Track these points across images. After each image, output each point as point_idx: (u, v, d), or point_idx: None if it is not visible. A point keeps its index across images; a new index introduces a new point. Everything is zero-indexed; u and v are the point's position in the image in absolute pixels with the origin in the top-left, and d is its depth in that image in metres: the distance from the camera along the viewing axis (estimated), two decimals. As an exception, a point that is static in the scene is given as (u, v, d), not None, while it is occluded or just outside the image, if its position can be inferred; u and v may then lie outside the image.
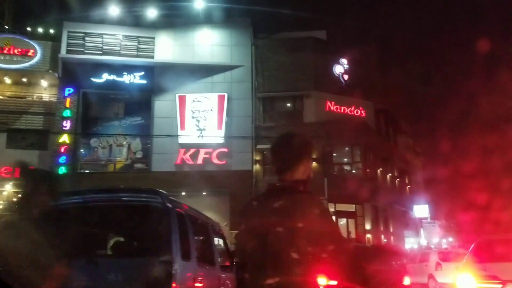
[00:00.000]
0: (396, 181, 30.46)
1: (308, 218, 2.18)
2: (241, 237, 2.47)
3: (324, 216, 2.26)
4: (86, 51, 23.93)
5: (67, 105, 23.05)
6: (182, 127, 23.68)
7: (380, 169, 26.51)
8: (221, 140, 23.58)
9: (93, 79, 23.65)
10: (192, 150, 23.44)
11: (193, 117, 23.85)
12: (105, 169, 23.86)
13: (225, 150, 23.51)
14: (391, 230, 28.39)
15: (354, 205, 24.20)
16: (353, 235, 23.52)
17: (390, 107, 28.47)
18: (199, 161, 23.37)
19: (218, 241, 6.48)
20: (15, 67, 22.81)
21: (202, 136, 23.63)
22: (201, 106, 23.94)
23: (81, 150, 24.05)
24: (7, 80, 23.29)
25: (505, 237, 7.34)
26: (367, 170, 24.34)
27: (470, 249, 6.63)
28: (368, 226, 24.01)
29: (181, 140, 23.57)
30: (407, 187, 33.66)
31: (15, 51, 22.79)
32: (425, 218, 38.56)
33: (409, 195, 34.43)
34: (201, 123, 23.78)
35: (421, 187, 44.50)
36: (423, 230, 37.84)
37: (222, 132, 23.69)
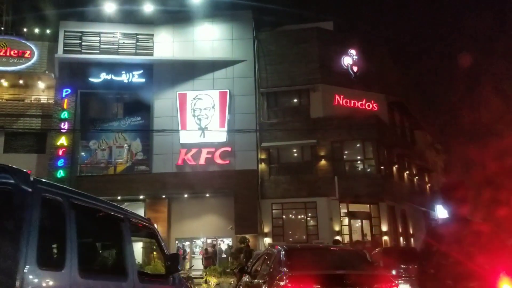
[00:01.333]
0: (415, 179, 28.71)
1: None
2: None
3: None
4: (83, 50, 23.34)
5: (65, 106, 22.45)
6: (183, 126, 22.73)
7: (396, 166, 24.87)
8: (224, 139, 22.52)
9: (91, 79, 23.00)
10: (193, 150, 22.45)
11: (194, 116, 22.89)
12: (105, 171, 23.08)
13: (228, 149, 22.42)
14: (411, 231, 26.65)
15: (368, 205, 22.69)
16: (368, 237, 22.02)
17: (404, 100, 26.84)
18: (201, 161, 22.35)
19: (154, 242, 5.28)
20: (12, 69, 22.40)
21: (203, 134, 22.58)
22: (202, 104, 22.95)
23: (82, 153, 23.37)
24: (4, 83, 22.82)
25: None
26: (381, 167, 22.79)
27: None
28: (384, 228, 22.45)
29: (182, 140, 22.60)
30: (427, 186, 31.76)
31: (12, 52, 22.38)
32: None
33: (430, 195, 32.50)
34: (203, 122, 22.78)
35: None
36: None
37: (224, 130, 22.60)
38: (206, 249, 21.53)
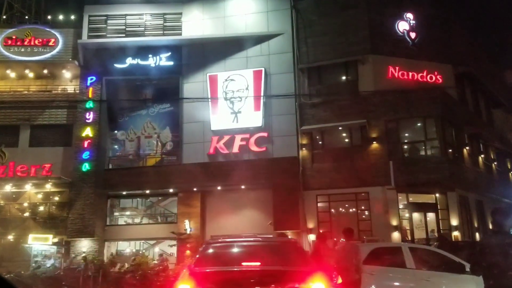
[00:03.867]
0: (493, 165, 24.50)
1: None
2: None
3: None
4: (108, 35, 22.21)
5: (90, 95, 21.37)
6: (214, 111, 20.77)
7: (468, 148, 21.08)
8: (259, 123, 20.28)
9: (116, 65, 21.81)
10: (226, 137, 20.42)
11: (226, 99, 20.85)
12: (135, 164, 21.73)
13: (265, 134, 20.13)
14: (490, 226, 22.64)
15: (433, 196, 19.28)
16: (435, 233, 18.69)
17: (477, 71, 22.82)
18: (235, 149, 20.25)
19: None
20: (36, 58, 21.78)
21: (237, 119, 20.46)
22: (235, 86, 20.85)
23: (112, 145, 22.25)
24: (29, 74, 22.24)
25: None
26: (449, 150, 19.28)
27: None
28: (454, 222, 18.98)
29: (214, 126, 20.66)
30: (510, 174, 27.21)
31: (36, 41, 21.75)
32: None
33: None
34: (236, 105, 20.67)
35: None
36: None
37: (260, 114, 20.33)
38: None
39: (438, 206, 19.21)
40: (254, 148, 20.16)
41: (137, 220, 22.13)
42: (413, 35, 20.65)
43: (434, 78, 20.46)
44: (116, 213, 22.15)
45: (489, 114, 26.00)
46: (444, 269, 9.08)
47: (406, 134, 19.76)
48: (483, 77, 24.10)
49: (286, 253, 5.80)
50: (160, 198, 22.12)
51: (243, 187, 20.22)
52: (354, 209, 19.39)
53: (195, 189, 20.52)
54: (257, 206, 20.29)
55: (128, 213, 22.27)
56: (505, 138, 27.25)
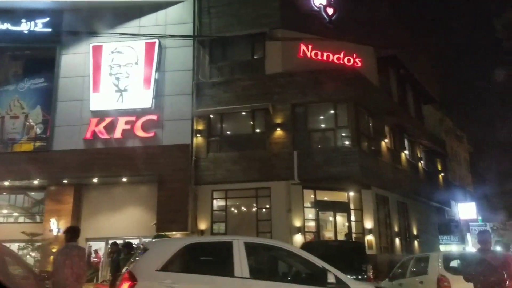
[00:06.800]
0: (420, 164, 22.71)
1: None
2: None
3: None
4: (-29, -6, 18.51)
5: None
6: (96, 88, 17.64)
7: (387, 141, 19.04)
8: (149, 104, 17.34)
9: (-21, 30, 18.13)
10: (107, 120, 17.37)
11: (111, 74, 17.80)
12: (-2, 150, 18.14)
13: (154, 117, 17.23)
14: (414, 232, 20.75)
15: (346, 193, 17.00)
16: (342, 237, 16.35)
17: (405, 58, 20.99)
18: (117, 134, 17.23)
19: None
20: None
21: (122, 98, 17.43)
22: (122, 59, 17.87)
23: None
24: None
25: None
26: (363, 141, 17.13)
27: None
28: (369, 225, 16.75)
29: (94, 106, 17.55)
30: (440, 175, 25.66)
31: None
32: (473, 220, 30.57)
33: (446, 188, 26.48)
34: (122, 82, 17.68)
35: (467, 180, 36.15)
36: (472, 235, 29.86)
37: (150, 93, 17.41)
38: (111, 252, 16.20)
39: (351, 205, 16.95)
40: (140, 133, 17.18)
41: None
42: (330, 11, 18.40)
43: (352, 60, 18.23)
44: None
45: (418, 109, 24.32)
46: (299, 279, 6.37)
47: (316, 121, 17.44)
48: (413, 67, 22.35)
49: None
50: (30, 192, 18.64)
51: (125, 180, 17.20)
52: (254, 207, 16.78)
53: (65, 181, 17.25)
54: (142, 203, 17.31)
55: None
56: (436, 136, 25.72)
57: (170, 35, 17.65)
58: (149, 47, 17.85)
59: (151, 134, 17.13)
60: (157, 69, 17.66)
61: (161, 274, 5.31)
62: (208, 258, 6.23)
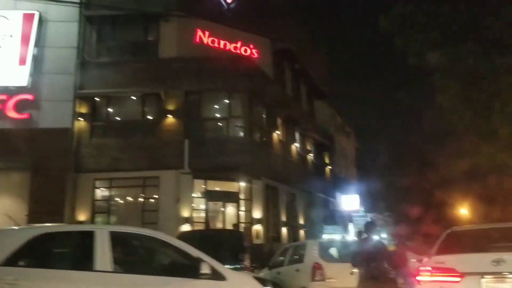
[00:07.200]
0: (309, 157, 23.66)
1: None
2: None
3: None
4: None
5: None
6: (-41, 60, 15.38)
7: (279, 133, 19.46)
8: (24, 82, 15.57)
9: None
10: (-28, 97, 15.21)
11: (-21, 46, 15.60)
12: None
13: (30, 97, 15.58)
14: (301, 222, 21.55)
15: (236, 184, 16.99)
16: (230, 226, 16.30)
17: (299, 53, 21.58)
18: (-16, 114, 15.19)
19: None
20: None
21: (-10, 73, 15.44)
22: (-7, 30, 15.76)
23: None
24: None
25: (475, 228, 7.28)
26: (256, 132, 17.27)
27: (438, 241, 5.96)
28: (257, 215, 16.94)
29: (-45, 81, 15.26)
30: (327, 168, 27.05)
31: None
32: (356, 211, 32.79)
33: (332, 181, 28.00)
34: (-7, 55, 15.61)
35: (352, 174, 38.70)
36: (354, 225, 31.98)
37: (26, 70, 15.65)
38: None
39: (241, 196, 17.00)
40: (12, 114, 15.40)
41: None
42: (229, -2, 18.20)
43: (249, 51, 18.28)
44: None
45: (310, 104, 25.30)
46: (171, 270, 5.90)
47: (210, 110, 17.18)
48: (307, 63, 23.10)
49: None
50: None
51: (-7, 166, 15.30)
52: (142, 197, 16.04)
53: None
54: (13, 193, 15.51)
55: None
56: (326, 131, 26.99)
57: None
58: (27, 19, 16.02)
59: (26, 116, 15.44)
60: (36, 44, 15.93)
61: (1, 270, 4.59)
62: (64, 250, 5.57)
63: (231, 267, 7.94)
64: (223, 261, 6.08)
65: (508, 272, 4.76)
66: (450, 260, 5.20)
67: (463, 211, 28.35)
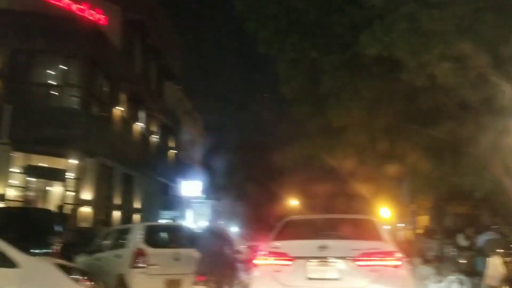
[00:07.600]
0: (153, 139, 22.82)
1: None
2: None
3: None
4: None
5: None
6: None
7: (121, 110, 18.27)
8: None
9: None
10: None
11: None
12: None
13: None
14: (138, 206, 20.65)
15: (65, 160, 15.32)
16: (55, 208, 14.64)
17: (152, 29, 20.52)
18: None
19: None
20: None
21: None
22: None
23: None
24: None
25: (307, 218, 8.26)
26: (93, 105, 15.82)
27: (276, 228, 6.38)
28: (87, 196, 15.57)
29: None
30: (171, 152, 26.55)
31: None
32: (197, 197, 32.87)
33: (176, 165, 27.54)
34: None
35: (197, 160, 38.81)
36: (193, 210, 32.04)
37: None
38: None
39: (70, 174, 15.39)
40: None
41: None
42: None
43: (96, 16, 16.65)
44: None
45: (160, 84, 24.39)
46: None
47: (41, 75, 15.16)
48: (161, 42, 22.12)
49: None
50: None
51: None
52: None
53: None
54: None
55: None
56: (173, 114, 26.37)
57: None
58: None
59: None
60: None
61: None
62: None
63: (39, 251, 6.94)
64: (29, 245, 5.25)
65: (330, 257, 5.31)
66: (284, 245, 5.68)
67: (294, 202, 30.60)
